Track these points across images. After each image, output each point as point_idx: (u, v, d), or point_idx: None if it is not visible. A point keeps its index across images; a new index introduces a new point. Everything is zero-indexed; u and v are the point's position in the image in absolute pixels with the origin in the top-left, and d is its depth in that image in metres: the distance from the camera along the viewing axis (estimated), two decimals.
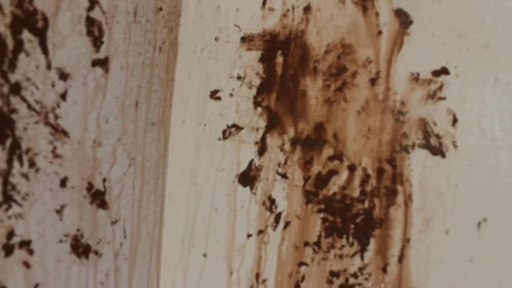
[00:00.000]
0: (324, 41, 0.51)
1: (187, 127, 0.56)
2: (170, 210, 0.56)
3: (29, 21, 0.39)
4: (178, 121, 0.56)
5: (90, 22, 0.45)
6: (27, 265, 0.40)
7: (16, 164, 0.38)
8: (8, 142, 0.37)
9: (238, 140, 0.54)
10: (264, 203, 0.52)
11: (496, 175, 0.44)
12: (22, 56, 0.38)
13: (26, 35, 0.38)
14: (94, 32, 0.46)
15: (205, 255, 0.54)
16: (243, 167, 0.53)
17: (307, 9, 0.52)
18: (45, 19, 0.40)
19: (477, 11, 0.45)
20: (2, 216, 0.37)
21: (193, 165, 0.55)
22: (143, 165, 0.53)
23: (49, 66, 0.41)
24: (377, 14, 0.49)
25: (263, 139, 0.53)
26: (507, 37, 0.45)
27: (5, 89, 0.37)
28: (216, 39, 0.56)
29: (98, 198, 0.47)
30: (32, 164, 0.40)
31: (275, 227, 0.51)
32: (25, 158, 0.39)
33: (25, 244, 0.40)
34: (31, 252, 0.40)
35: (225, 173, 0.54)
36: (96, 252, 0.47)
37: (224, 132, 0.54)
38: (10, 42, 0.37)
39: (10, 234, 0.38)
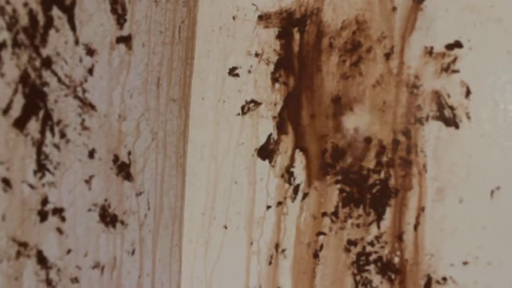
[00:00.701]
0: (339, 18, 0.52)
1: (207, 104, 0.58)
2: (191, 184, 0.58)
3: None
4: (198, 98, 0.58)
5: (114, 0, 0.47)
6: (60, 231, 0.42)
7: (48, 134, 0.40)
8: (41, 113, 0.39)
9: (256, 115, 0.55)
10: (282, 176, 0.54)
11: (509, 145, 0.45)
12: (52, 31, 0.40)
13: (55, 12, 0.40)
14: (118, 9, 0.47)
15: (225, 227, 0.56)
16: (262, 141, 0.55)
17: None
18: None
19: None
20: (36, 183, 0.39)
21: (213, 140, 0.57)
22: (165, 140, 0.55)
23: (77, 42, 0.43)
24: None
25: (281, 114, 0.54)
26: None
27: (37, 63, 0.39)
28: (234, 17, 0.57)
29: (123, 170, 0.49)
30: (62, 135, 0.42)
31: (293, 199, 0.53)
32: (56, 129, 0.41)
33: (58, 212, 0.42)
34: (63, 219, 0.42)
35: (244, 147, 0.56)
36: (122, 222, 0.50)
37: (242, 107, 0.56)
38: (41, 18, 0.39)
39: (44, 201, 0.40)
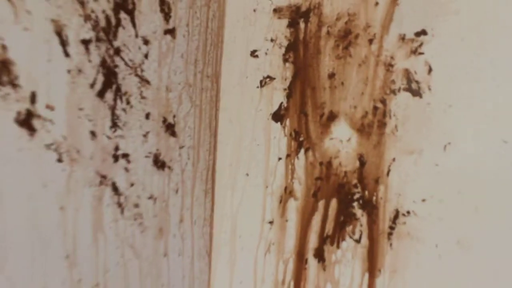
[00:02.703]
0: (335, 11, 0.66)
1: (233, 79, 0.74)
2: (221, 141, 0.75)
3: (124, 4, 0.57)
4: (226, 74, 0.74)
5: (162, 2, 0.63)
6: (126, 170, 0.60)
7: (118, 102, 0.58)
8: (114, 87, 0.57)
9: (271, 87, 0.71)
10: (290, 134, 0.70)
11: (458, 109, 0.59)
12: (120, 29, 0.57)
13: (122, 14, 0.57)
14: (165, 9, 0.64)
15: (247, 174, 0.73)
16: (275, 107, 0.71)
17: None
18: (133, 3, 0.59)
19: None
20: (111, 135, 0.57)
21: (238, 107, 0.73)
22: (201, 107, 0.72)
23: (136, 35, 0.59)
24: None
25: (290, 87, 0.70)
26: (474, 5, 0.59)
27: (111, 52, 0.56)
28: (254, 10, 0.73)
29: (170, 128, 0.66)
30: (128, 102, 0.59)
31: (298, 152, 0.69)
32: (123, 98, 0.58)
33: (125, 156, 0.59)
34: (128, 161, 0.60)
35: (261, 113, 0.72)
36: (169, 167, 0.67)
37: (261, 82, 0.72)
38: (113, 20, 0.56)
39: (116, 148, 0.58)
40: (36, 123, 0.48)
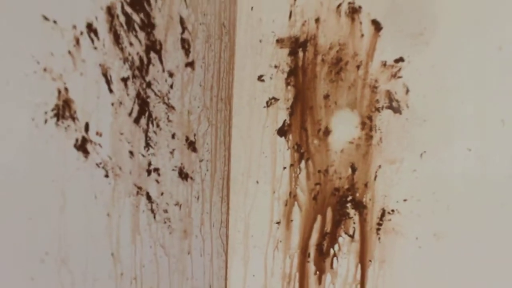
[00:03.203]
0: (328, 41, 0.79)
1: (244, 100, 0.86)
2: (233, 154, 0.87)
3: (153, 46, 0.70)
4: (238, 96, 0.86)
5: (183, 41, 0.76)
6: (157, 181, 0.72)
7: (150, 126, 0.70)
8: (146, 114, 0.69)
9: (276, 107, 0.83)
10: (293, 147, 0.82)
11: (432, 121, 0.71)
12: (151, 66, 0.70)
13: (152, 54, 0.70)
14: (185, 46, 0.76)
15: (257, 182, 0.85)
16: (280, 124, 0.83)
17: (317, 20, 0.79)
18: (160, 44, 0.71)
19: (421, 21, 0.71)
20: (145, 153, 0.69)
21: (248, 125, 0.85)
22: (216, 126, 0.84)
23: (163, 70, 0.72)
24: (360, 23, 0.76)
25: (291, 106, 0.82)
26: (441, 38, 0.71)
27: (144, 85, 0.69)
28: (260, 41, 0.85)
29: (191, 145, 0.79)
30: (157, 125, 0.71)
31: (300, 162, 0.81)
32: (154, 123, 0.71)
33: (156, 170, 0.72)
34: (159, 174, 0.73)
35: (268, 129, 0.84)
36: (191, 178, 0.79)
37: (267, 102, 0.84)
38: (145, 59, 0.69)
39: (149, 164, 0.70)
40: (89, 147, 0.61)
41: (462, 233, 0.69)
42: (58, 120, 0.57)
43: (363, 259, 0.76)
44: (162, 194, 0.73)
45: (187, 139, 0.78)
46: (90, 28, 0.60)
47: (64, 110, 0.58)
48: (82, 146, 0.60)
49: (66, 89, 0.57)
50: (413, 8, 0.72)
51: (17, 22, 0.53)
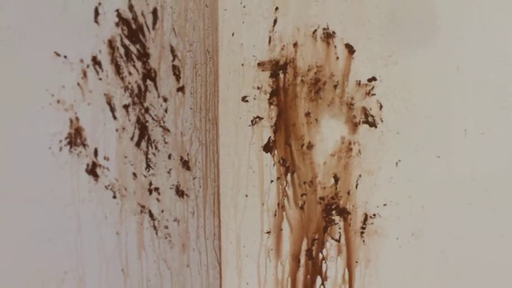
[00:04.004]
0: (306, 64, 0.86)
1: (230, 120, 0.92)
2: (222, 170, 0.93)
3: (149, 74, 0.75)
4: (224, 117, 0.92)
5: (174, 67, 0.81)
6: (158, 200, 0.77)
7: (149, 148, 0.75)
8: (146, 137, 0.74)
9: (261, 125, 0.90)
10: (279, 162, 0.88)
11: (403, 133, 0.79)
12: (148, 93, 0.75)
13: (148, 82, 0.75)
14: (176, 72, 0.82)
15: (246, 195, 0.91)
16: (265, 141, 0.89)
17: (295, 44, 0.87)
18: (155, 71, 0.77)
19: (390, 44, 0.80)
20: (146, 174, 0.74)
21: (235, 142, 0.91)
22: (206, 145, 0.90)
23: (159, 96, 0.77)
24: (335, 46, 0.84)
25: (275, 124, 0.89)
26: (408, 58, 0.79)
27: (143, 111, 0.74)
28: (242, 64, 0.91)
29: (185, 164, 0.84)
30: (156, 147, 0.77)
31: (286, 175, 0.88)
32: (153, 145, 0.76)
33: (156, 189, 0.77)
34: (159, 193, 0.78)
35: (254, 145, 0.90)
36: (187, 195, 0.85)
37: (252, 121, 0.90)
38: (142, 87, 0.74)
39: (150, 183, 0.75)
40: (98, 171, 0.66)
41: (436, 231, 0.78)
42: (71, 147, 0.62)
43: (350, 261, 0.83)
44: (162, 211, 0.78)
45: (181, 158, 0.83)
46: (95, 61, 0.65)
47: (76, 137, 0.62)
48: (92, 170, 0.65)
49: (77, 118, 0.62)
50: (382, 32, 0.80)
51: (33, 59, 0.58)
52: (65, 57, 0.61)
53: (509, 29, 0.75)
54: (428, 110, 0.78)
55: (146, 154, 0.75)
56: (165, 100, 0.79)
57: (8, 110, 0.55)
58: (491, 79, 0.76)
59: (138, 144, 0.73)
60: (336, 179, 0.84)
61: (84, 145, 0.63)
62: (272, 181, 0.89)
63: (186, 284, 0.84)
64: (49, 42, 0.59)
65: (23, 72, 0.56)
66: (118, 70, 0.69)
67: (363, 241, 0.82)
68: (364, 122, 0.82)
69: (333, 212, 0.84)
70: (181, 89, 0.83)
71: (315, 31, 0.85)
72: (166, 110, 0.79)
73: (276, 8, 0.87)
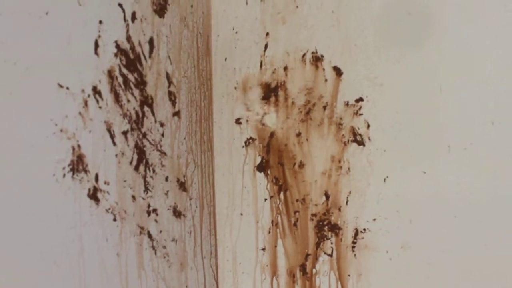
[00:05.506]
0: (296, 86, 0.90)
1: (224, 142, 0.96)
2: (218, 190, 0.96)
3: (146, 101, 0.79)
4: (218, 139, 0.96)
5: (170, 93, 0.85)
6: (156, 221, 0.80)
7: (147, 171, 0.79)
8: (144, 161, 0.78)
9: (253, 146, 0.93)
10: (272, 181, 0.92)
11: (390, 150, 0.83)
12: (145, 118, 0.78)
13: (145, 108, 0.79)
14: (172, 98, 0.86)
15: (241, 214, 0.94)
16: (258, 161, 0.93)
17: (285, 68, 0.91)
18: (151, 98, 0.80)
19: (376, 66, 0.84)
20: (145, 196, 0.78)
21: (229, 163, 0.95)
22: (202, 167, 0.93)
23: (155, 121, 0.81)
24: (323, 69, 0.88)
25: (268, 144, 0.92)
26: (392, 79, 0.84)
27: (140, 136, 0.77)
28: (235, 88, 0.95)
29: (182, 186, 0.87)
30: (153, 171, 0.80)
31: (279, 193, 0.91)
32: (150, 168, 0.79)
33: (155, 211, 0.80)
34: (157, 215, 0.81)
35: (248, 166, 0.94)
36: (184, 215, 0.88)
37: (245, 142, 0.94)
38: (140, 113, 0.77)
39: (148, 205, 0.78)
40: (99, 195, 0.69)
41: (424, 243, 0.81)
42: (73, 173, 0.65)
43: (342, 275, 0.86)
44: (160, 232, 0.81)
45: (178, 180, 0.86)
46: (95, 90, 0.69)
47: (78, 164, 0.66)
48: (94, 195, 0.68)
49: (78, 146, 0.66)
50: (368, 55, 0.85)
51: (38, 91, 0.61)
52: (67, 88, 0.64)
53: (486, 51, 0.79)
54: (413, 128, 0.82)
55: (144, 177, 0.78)
56: (161, 125, 0.82)
57: (16, 140, 0.58)
58: (471, 97, 0.81)
59: (136, 168, 0.76)
60: (327, 196, 0.87)
61: (85, 171, 0.66)
62: (265, 199, 0.92)
63: None
64: (53, 75, 0.63)
65: (29, 104, 0.60)
66: (117, 98, 0.73)
67: (355, 255, 0.86)
68: (352, 141, 0.86)
69: (325, 228, 0.87)
70: (177, 113, 0.86)
71: (304, 55, 0.89)
72: (162, 135, 0.82)
73: (267, 34, 0.92)
